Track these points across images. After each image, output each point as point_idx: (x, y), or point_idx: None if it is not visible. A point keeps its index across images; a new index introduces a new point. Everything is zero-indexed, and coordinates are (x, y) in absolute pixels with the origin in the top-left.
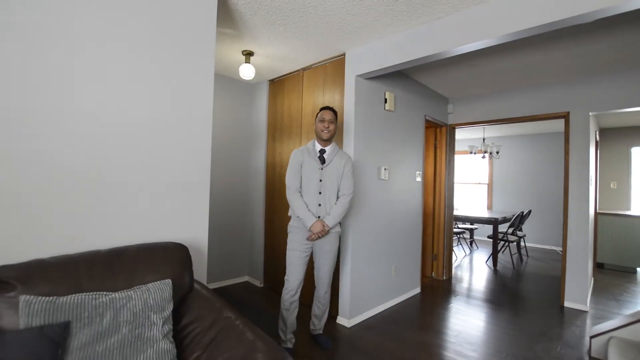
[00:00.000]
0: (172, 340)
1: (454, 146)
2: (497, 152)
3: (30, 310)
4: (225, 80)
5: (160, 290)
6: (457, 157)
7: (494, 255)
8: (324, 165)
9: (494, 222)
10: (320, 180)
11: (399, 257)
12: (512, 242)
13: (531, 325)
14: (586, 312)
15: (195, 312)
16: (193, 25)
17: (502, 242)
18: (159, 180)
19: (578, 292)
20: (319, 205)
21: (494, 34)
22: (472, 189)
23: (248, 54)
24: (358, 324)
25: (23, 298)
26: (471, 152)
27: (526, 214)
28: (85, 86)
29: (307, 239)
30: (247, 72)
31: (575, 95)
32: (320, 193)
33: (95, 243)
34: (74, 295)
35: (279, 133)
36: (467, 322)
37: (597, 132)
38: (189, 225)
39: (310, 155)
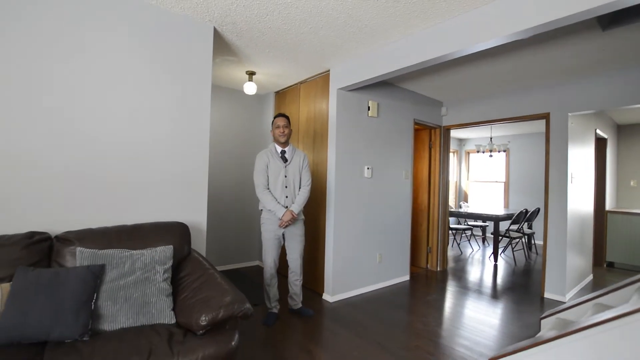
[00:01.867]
0: (169, 283)
1: (449, 146)
2: (504, 151)
3: (82, 256)
4: (237, 93)
5: (163, 252)
6: (472, 156)
7: (495, 250)
8: (287, 163)
9: (495, 220)
10: (285, 176)
11: (385, 245)
12: (515, 238)
13: (503, 311)
14: (563, 302)
15: (189, 269)
16: (194, 53)
17: (510, 239)
18: (169, 178)
19: (557, 284)
20: (286, 197)
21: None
22: (490, 187)
23: (251, 74)
24: (341, 300)
25: (78, 249)
26: (478, 151)
27: (534, 211)
28: (124, 116)
29: (279, 226)
30: (249, 89)
31: (555, 96)
32: (286, 187)
33: (124, 220)
34: (108, 249)
35: None
36: (444, 305)
37: (598, 130)
38: (191, 211)
39: (274, 156)
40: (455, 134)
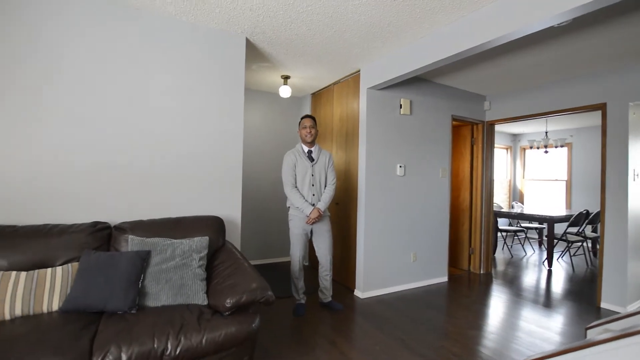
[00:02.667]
0: (204, 269)
1: (493, 142)
2: (563, 146)
3: (133, 243)
4: (275, 96)
5: (200, 241)
6: (528, 153)
7: (549, 255)
8: (313, 162)
9: (549, 221)
10: (312, 175)
11: (420, 245)
12: (573, 242)
13: (547, 318)
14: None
15: (222, 258)
16: (228, 61)
17: (568, 243)
18: (207, 177)
19: (616, 294)
20: (313, 195)
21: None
22: (550, 186)
23: (285, 78)
24: (372, 297)
25: (130, 237)
26: (531, 147)
27: (598, 212)
28: (169, 123)
29: (307, 222)
30: (284, 92)
31: (612, 84)
32: (312, 185)
33: (169, 213)
34: (154, 238)
35: (318, 138)
36: (480, 308)
37: None
38: (226, 206)
39: (301, 156)
40: (507, 128)
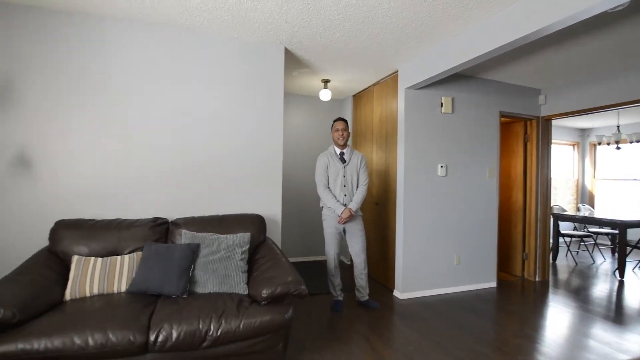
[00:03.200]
0: (245, 262)
1: (550, 139)
2: (638, 141)
3: (185, 237)
4: (317, 100)
5: (242, 237)
6: (599, 150)
7: (620, 264)
8: (345, 164)
9: (621, 226)
10: (344, 176)
11: (464, 247)
12: None
13: (608, 333)
14: None
15: (262, 253)
16: (269, 70)
17: None
18: (249, 178)
19: None
20: (345, 195)
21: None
22: (630, 187)
23: (325, 81)
24: (411, 298)
25: (183, 231)
26: (600, 143)
27: None
28: (215, 129)
29: (339, 222)
30: (324, 95)
31: None
32: (344, 186)
33: (216, 211)
34: (203, 232)
35: (359, 139)
36: (529, 317)
37: None
38: (267, 205)
39: (333, 158)
40: (573, 123)
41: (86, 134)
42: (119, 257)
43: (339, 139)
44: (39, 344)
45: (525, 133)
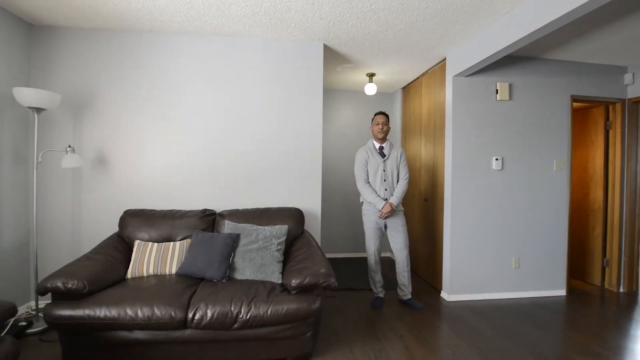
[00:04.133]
0: (281, 253)
1: (638, 125)
2: None
3: (228, 227)
4: (363, 94)
5: (280, 229)
6: None
7: None
8: (385, 158)
9: None
10: (384, 171)
11: (525, 249)
12: None
13: None
14: None
15: (299, 245)
16: (309, 67)
17: None
18: (290, 173)
19: None
20: (385, 190)
21: None
22: None
23: (370, 75)
24: (459, 301)
25: (226, 222)
26: None
27: None
28: (259, 125)
29: (379, 217)
30: (370, 90)
31: None
32: (384, 180)
33: (259, 204)
34: (244, 224)
35: (407, 133)
36: (602, 332)
37: None
38: (307, 199)
39: (373, 153)
40: None
41: (150, 137)
42: (171, 243)
43: (379, 132)
44: (100, 312)
45: (607, 119)
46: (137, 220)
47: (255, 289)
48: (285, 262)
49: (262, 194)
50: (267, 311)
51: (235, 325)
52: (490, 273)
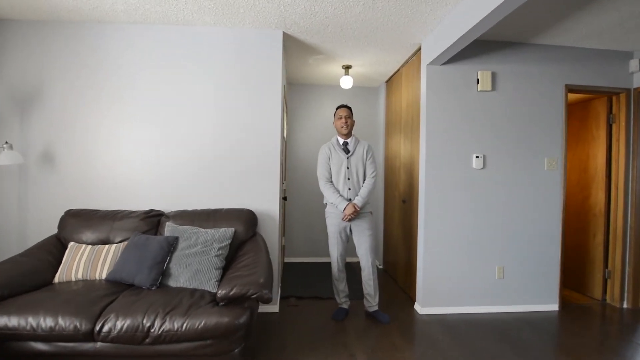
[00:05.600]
0: (222, 258)
1: None
2: None
3: (167, 229)
4: (342, 89)
5: (224, 232)
6: None
7: None
8: (349, 154)
9: None
10: (348, 168)
11: (510, 257)
12: None
13: None
14: None
15: (247, 249)
16: (265, 58)
17: None
18: (247, 172)
19: None
20: (349, 189)
21: None
22: None
23: (346, 67)
24: (433, 314)
25: (167, 224)
26: None
27: None
28: (210, 121)
29: (342, 219)
30: (345, 83)
31: None
32: (348, 179)
33: (211, 205)
34: (185, 226)
35: (390, 130)
36: (599, 356)
37: None
38: (263, 199)
39: (336, 149)
40: None
41: (100, 133)
42: (106, 246)
43: (342, 127)
44: (1, 320)
45: (610, 112)
46: (76, 221)
47: (179, 299)
48: (227, 268)
49: (217, 193)
50: (182, 326)
51: (147, 340)
52: (469, 284)
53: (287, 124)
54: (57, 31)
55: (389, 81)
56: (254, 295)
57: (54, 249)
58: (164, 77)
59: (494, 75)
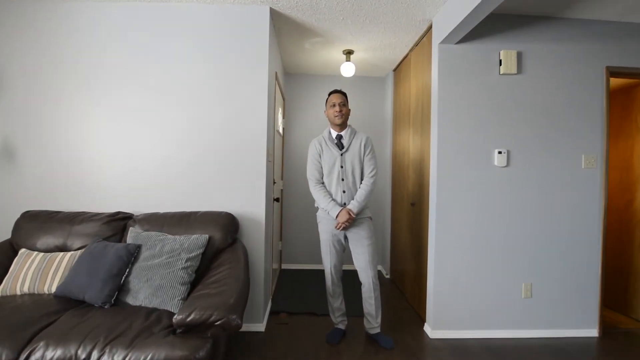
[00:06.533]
0: (190, 271)
1: None
2: None
3: (130, 235)
4: (346, 80)
5: (196, 240)
6: None
7: None
8: (343, 150)
9: None
10: (342, 167)
11: (539, 273)
12: None
13: None
14: None
15: (222, 260)
16: (248, 37)
17: None
18: (228, 170)
19: None
20: (343, 192)
21: None
22: None
23: (348, 53)
24: (445, 339)
25: (131, 229)
26: None
27: None
28: (187, 111)
29: (335, 227)
30: (346, 70)
31: None
32: (342, 180)
33: (189, 207)
34: (150, 232)
35: (398, 123)
36: None
37: None
38: (247, 202)
39: (328, 143)
40: None
41: (66, 122)
42: (60, 254)
43: (335, 116)
44: None
45: None
46: (32, 224)
47: (129, 323)
48: (196, 283)
49: (195, 193)
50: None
51: None
52: (490, 303)
53: (284, 117)
54: (14, 5)
55: (397, 69)
56: (218, 322)
57: (3, 257)
58: (138, 61)
59: (519, 56)
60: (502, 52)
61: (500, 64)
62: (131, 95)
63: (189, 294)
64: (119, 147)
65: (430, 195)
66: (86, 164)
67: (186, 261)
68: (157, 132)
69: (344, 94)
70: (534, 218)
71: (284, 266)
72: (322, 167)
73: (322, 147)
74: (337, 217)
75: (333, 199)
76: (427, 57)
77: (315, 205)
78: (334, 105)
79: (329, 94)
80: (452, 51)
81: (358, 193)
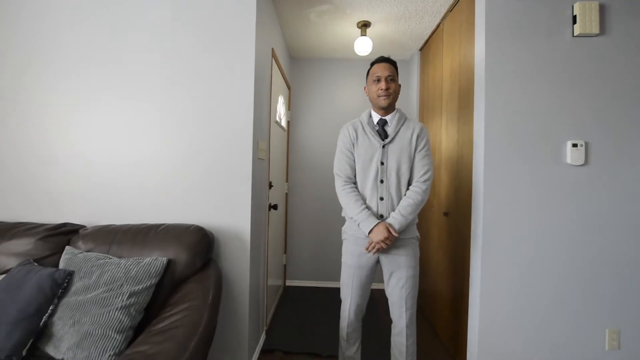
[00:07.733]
0: (133, 312)
1: None
2: None
3: (64, 258)
4: (361, 63)
5: (148, 266)
6: None
7: None
8: (387, 141)
9: None
10: (382, 163)
11: (630, 314)
12: None
13: None
14: None
15: (185, 292)
16: (234, 18)
17: None
18: (204, 173)
19: None
20: (381, 199)
21: None
22: None
23: (364, 25)
24: None
25: (67, 248)
26: None
27: None
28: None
29: (366, 249)
30: (361, 47)
31: None
32: (381, 181)
33: (156, 219)
34: (89, 253)
35: (426, 111)
36: None
37: None
38: (226, 214)
39: (366, 130)
40: None
41: (19, 119)
42: None
43: (379, 96)
44: None
45: None
46: None
47: None
48: (141, 328)
49: (164, 202)
50: None
51: None
52: (560, 355)
53: (289, 109)
54: None
55: (424, 47)
56: None
57: None
58: (95, 43)
59: (602, 9)
60: (577, 5)
61: (575, 22)
62: (100, 89)
63: (129, 345)
64: (77, 145)
65: (474, 204)
66: (37, 166)
67: (129, 297)
68: (123, 130)
69: (394, 64)
70: (622, 239)
71: (288, 282)
72: (354, 162)
73: (357, 134)
74: (370, 233)
75: (367, 206)
76: (467, 23)
77: (342, 214)
78: (378, 81)
79: (372, 64)
80: (507, 5)
81: (403, 203)
